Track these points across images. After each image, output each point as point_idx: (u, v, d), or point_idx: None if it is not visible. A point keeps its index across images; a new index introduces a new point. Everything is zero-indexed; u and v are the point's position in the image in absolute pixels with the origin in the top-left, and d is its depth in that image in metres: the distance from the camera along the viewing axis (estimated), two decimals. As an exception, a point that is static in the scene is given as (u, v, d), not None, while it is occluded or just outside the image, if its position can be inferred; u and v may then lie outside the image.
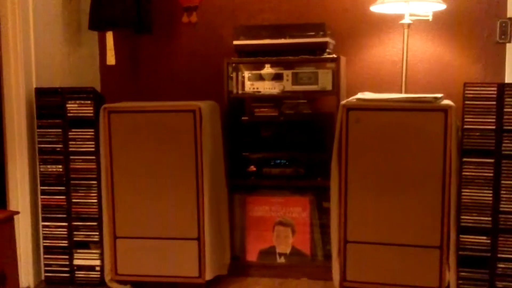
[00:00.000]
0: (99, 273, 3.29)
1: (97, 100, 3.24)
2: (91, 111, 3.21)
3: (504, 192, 2.78)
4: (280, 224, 3.45)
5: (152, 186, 3.15)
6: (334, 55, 3.35)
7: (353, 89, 3.43)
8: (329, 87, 3.34)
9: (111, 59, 3.65)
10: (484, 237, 2.82)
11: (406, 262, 2.94)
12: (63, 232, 3.28)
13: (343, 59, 3.42)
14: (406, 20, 3.32)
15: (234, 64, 3.45)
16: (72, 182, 3.25)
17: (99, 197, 3.23)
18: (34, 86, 3.29)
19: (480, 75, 3.48)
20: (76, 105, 3.22)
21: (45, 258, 3.33)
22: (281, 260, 3.46)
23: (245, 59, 3.44)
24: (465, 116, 2.81)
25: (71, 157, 3.24)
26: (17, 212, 2.86)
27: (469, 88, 2.80)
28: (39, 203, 3.31)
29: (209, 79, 3.75)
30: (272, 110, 3.46)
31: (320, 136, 3.44)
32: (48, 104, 3.24)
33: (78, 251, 3.29)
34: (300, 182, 3.41)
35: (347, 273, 3.01)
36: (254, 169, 3.51)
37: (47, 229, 3.30)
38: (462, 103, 2.81)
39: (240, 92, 3.47)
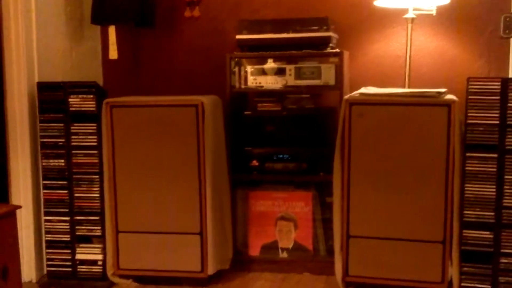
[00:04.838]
0: (101, 267, 3.28)
1: (99, 94, 3.23)
2: (93, 106, 3.20)
3: (508, 187, 2.77)
4: (283, 219, 3.45)
5: (154, 181, 3.15)
6: (337, 50, 3.34)
7: (356, 84, 3.42)
8: (332, 81, 3.33)
9: (113, 54, 3.65)
10: (487, 232, 2.81)
11: (409, 257, 2.93)
12: (66, 226, 3.28)
13: (346, 54, 3.41)
14: (410, 14, 3.31)
15: (236, 59, 3.44)
16: (74, 176, 3.24)
17: (102, 192, 3.23)
18: (36, 80, 3.29)
19: (484, 70, 3.46)
20: (78, 100, 3.21)
21: (47, 253, 3.33)
22: (284, 255, 3.46)
23: (248, 54, 3.43)
24: (469, 111, 2.80)
25: (73, 151, 3.23)
26: (19, 207, 2.84)
27: (472, 83, 2.79)
28: (41, 197, 3.31)
29: (212, 74, 3.73)
30: (275, 105, 3.45)
31: (323, 131, 3.43)
32: (50, 99, 3.23)
33: (81, 245, 3.29)
34: (303, 177, 3.40)
35: (350, 268, 3.01)
36: (257, 164, 3.49)
37: (49, 223, 3.30)
38: (465, 97, 2.80)
39: (242, 86, 3.46)
